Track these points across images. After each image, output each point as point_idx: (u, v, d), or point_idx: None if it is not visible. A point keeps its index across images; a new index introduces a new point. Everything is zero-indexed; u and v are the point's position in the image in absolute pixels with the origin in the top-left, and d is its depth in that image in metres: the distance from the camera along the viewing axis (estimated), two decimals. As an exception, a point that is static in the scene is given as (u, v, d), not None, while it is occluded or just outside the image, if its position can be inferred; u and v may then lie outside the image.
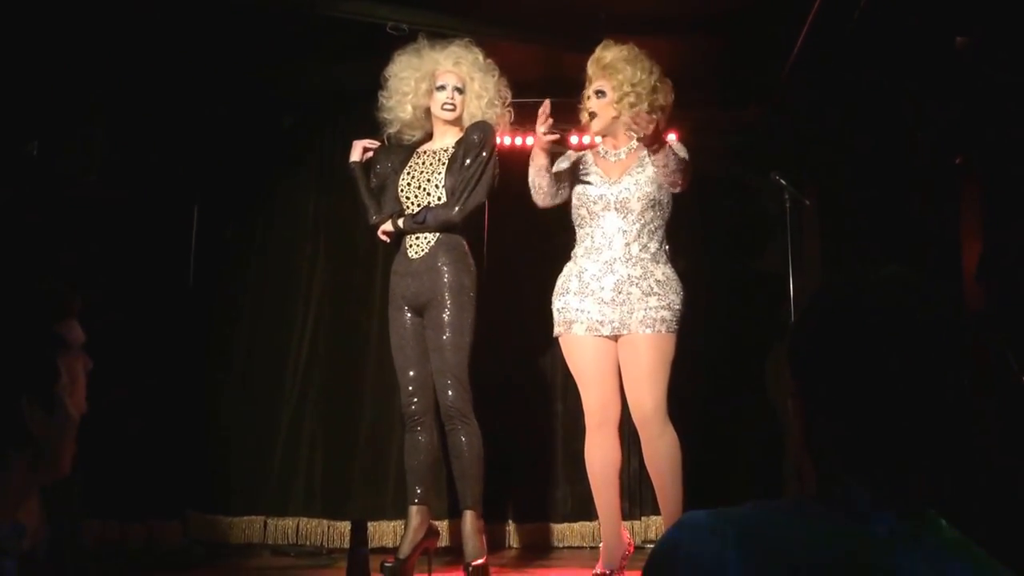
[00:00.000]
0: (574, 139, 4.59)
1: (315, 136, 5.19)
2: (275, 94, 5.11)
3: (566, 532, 4.89)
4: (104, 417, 4.16)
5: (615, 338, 3.67)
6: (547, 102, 3.63)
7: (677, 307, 3.66)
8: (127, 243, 4.66)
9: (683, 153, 3.66)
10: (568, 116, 4.14)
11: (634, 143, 3.81)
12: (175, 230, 4.83)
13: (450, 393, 3.79)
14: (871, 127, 4.49)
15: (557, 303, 3.77)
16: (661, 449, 3.59)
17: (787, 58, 4.42)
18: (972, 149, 3.86)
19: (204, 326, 4.93)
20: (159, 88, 4.79)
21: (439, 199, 3.91)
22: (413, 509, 3.87)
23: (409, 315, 3.94)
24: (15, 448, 1.43)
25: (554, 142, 3.68)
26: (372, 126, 4.22)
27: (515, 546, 4.86)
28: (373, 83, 4.15)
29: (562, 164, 3.88)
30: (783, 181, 4.42)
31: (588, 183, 3.77)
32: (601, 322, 3.65)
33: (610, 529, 3.70)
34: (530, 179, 3.80)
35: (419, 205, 3.93)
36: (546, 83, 4.36)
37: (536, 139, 3.68)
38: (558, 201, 3.85)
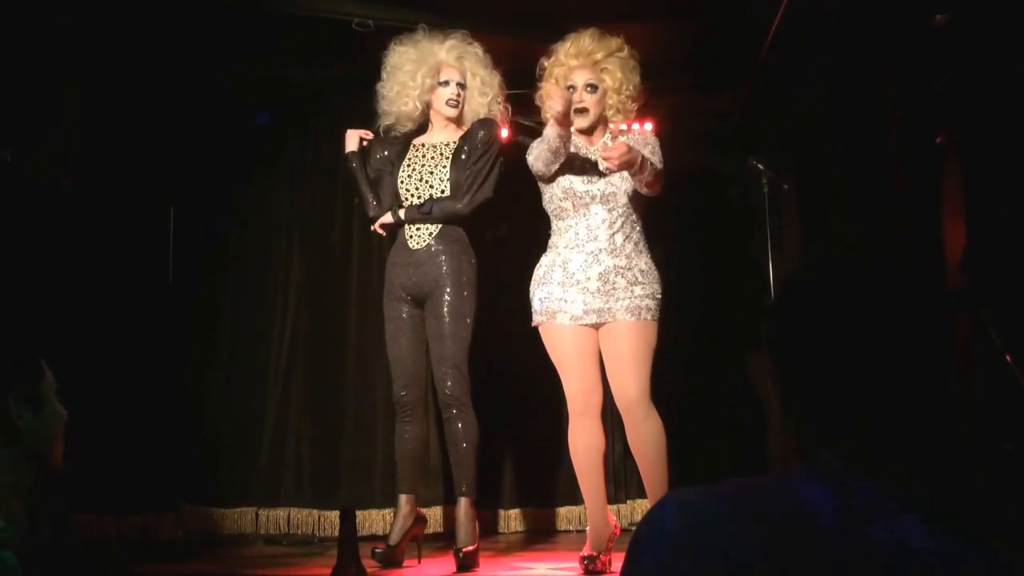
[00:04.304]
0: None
1: (286, 133, 5.20)
2: (245, 93, 5.10)
3: (554, 516, 4.92)
4: (97, 415, 4.20)
5: (596, 327, 3.67)
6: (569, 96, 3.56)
7: (659, 296, 3.68)
8: (107, 245, 4.71)
9: (659, 164, 3.66)
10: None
11: (608, 138, 3.79)
12: (152, 231, 4.87)
13: (449, 382, 3.81)
14: (849, 108, 4.49)
15: (539, 293, 3.73)
16: (646, 434, 3.59)
17: (763, 41, 4.42)
18: (952, 127, 3.87)
19: (187, 324, 4.98)
20: (132, 90, 4.80)
21: (442, 192, 3.91)
22: (402, 497, 3.91)
23: (407, 306, 3.94)
24: (4, 446, 1.43)
25: (529, 132, 3.64)
26: (344, 122, 4.22)
27: (505, 531, 4.89)
28: (342, 79, 4.12)
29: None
30: (761, 166, 4.43)
31: (574, 177, 3.71)
32: (586, 311, 3.64)
33: (596, 513, 3.70)
34: (552, 146, 3.58)
35: (419, 198, 3.93)
36: (519, 74, 4.30)
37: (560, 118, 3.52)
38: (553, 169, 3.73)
